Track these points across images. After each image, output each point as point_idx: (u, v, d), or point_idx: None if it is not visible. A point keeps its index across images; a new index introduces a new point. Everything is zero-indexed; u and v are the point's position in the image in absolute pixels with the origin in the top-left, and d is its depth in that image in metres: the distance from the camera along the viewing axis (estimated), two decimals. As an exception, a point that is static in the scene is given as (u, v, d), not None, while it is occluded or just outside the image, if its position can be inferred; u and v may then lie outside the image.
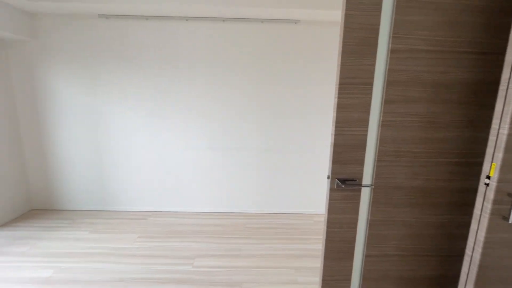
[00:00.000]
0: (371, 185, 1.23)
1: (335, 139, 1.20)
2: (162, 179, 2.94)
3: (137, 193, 2.97)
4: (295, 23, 2.61)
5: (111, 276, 1.93)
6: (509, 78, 0.94)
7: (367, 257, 1.29)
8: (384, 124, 1.18)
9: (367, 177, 1.23)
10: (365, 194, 1.25)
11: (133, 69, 2.69)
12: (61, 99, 2.74)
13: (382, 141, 1.19)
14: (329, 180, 1.24)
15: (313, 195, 2.99)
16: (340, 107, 1.17)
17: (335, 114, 1.18)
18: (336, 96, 1.17)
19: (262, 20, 2.59)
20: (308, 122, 2.84)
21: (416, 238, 1.26)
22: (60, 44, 2.63)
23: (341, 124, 1.18)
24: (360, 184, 1.24)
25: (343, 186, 1.20)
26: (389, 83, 1.14)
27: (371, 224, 1.26)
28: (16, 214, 2.78)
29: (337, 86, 1.16)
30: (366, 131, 1.19)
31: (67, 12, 2.52)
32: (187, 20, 2.59)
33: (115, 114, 2.78)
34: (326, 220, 1.28)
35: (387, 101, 1.16)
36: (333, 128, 1.20)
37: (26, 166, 2.88)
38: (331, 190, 1.24)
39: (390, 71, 1.13)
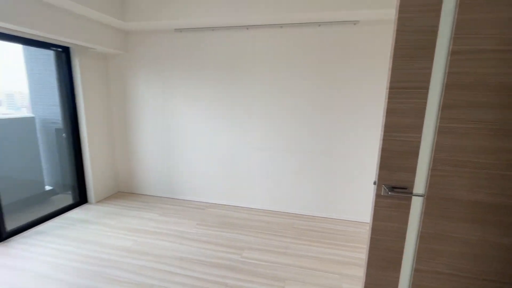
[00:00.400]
0: (423, 194, 1.16)
1: (383, 144, 1.17)
2: (221, 174, 3.23)
3: (198, 185, 3.33)
4: (354, 24, 2.54)
5: (174, 254, 2.24)
6: None
7: (416, 271, 1.22)
8: (441, 131, 1.10)
9: (420, 186, 1.16)
10: (416, 204, 1.18)
11: (200, 74, 3.04)
12: (142, 100, 3.29)
13: (438, 148, 1.11)
14: (376, 186, 1.22)
15: (367, 204, 2.84)
16: (390, 112, 1.14)
17: (384, 119, 1.16)
18: (386, 100, 1.15)
19: (319, 24, 2.60)
20: (366, 125, 2.72)
21: (476, 258, 1.12)
22: (143, 55, 3.16)
23: (390, 129, 1.15)
24: (410, 193, 1.18)
25: (389, 193, 1.16)
26: (449, 87, 1.06)
27: (422, 237, 1.18)
28: (107, 194, 3.46)
29: (387, 90, 1.13)
30: (420, 137, 1.13)
31: (151, 29, 3.02)
32: (247, 28, 2.79)
33: (184, 114, 3.19)
34: (371, 227, 1.26)
35: (445, 106, 1.08)
36: (382, 133, 1.17)
37: (116, 157, 3.54)
38: (377, 196, 1.22)
39: (450, 74, 1.05)
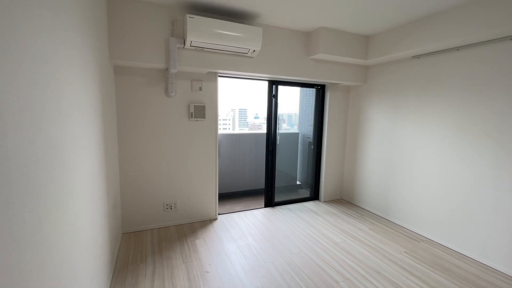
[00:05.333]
0: None
1: None
2: (448, 209, 2.79)
3: (416, 214, 3.10)
4: None
5: (372, 265, 2.42)
6: None
7: None
8: None
9: None
10: None
11: (432, 99, 2.88)
12: (372, 123, 3.68)
13: None
14: None
15: None
16: None
17: None
18: None
19: None
20: None
21: None
22: (379, 84, 3.55)
23: None
24: None
25: None
26: None
27: None
28: (332, 198, 4.25)
29: None
30: None
31: (388, 60, 3.35)
32: None
33: (409, 138, 3.15)
34: None
35: None
36: None
37: (344, 169, 4.24)
38: None
39: None
